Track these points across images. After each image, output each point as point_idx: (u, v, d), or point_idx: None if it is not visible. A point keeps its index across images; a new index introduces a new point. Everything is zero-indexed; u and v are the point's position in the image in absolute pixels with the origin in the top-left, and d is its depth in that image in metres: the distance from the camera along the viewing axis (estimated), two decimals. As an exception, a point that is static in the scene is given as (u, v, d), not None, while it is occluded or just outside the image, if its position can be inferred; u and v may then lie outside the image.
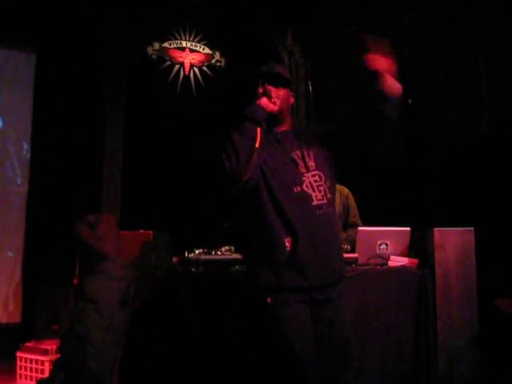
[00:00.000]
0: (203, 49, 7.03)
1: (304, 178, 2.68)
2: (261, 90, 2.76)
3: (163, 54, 6.81)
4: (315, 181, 2.69)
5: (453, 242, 3.87)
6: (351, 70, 6.25)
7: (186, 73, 6.89)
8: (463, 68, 5.25)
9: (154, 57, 6.75)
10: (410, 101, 5.79)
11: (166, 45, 6.84)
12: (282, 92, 2.81)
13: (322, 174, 2.73)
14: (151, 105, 6.53)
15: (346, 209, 4.49)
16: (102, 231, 1.30)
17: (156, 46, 6.77)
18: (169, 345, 0.84)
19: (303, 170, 2.70)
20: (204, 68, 7.02)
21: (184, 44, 6.94)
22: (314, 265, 2.58)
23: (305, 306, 2.60)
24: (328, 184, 2.74)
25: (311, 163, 2.73)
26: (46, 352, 4.79)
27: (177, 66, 6.88)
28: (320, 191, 2.67)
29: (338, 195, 4.41)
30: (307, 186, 2.66)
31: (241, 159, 2.55)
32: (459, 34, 5.27)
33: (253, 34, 6.87)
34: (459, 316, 3.80)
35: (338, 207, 4.36)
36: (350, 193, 4.56)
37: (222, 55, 7.11)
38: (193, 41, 6.98)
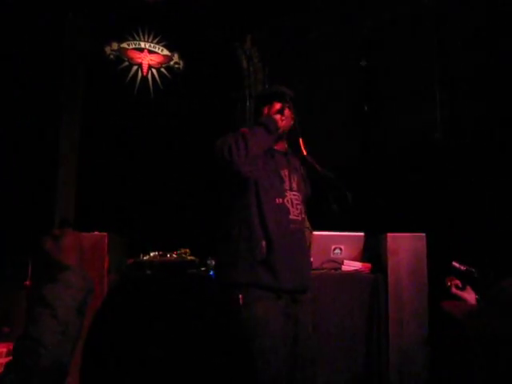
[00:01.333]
0: (162, 50, 7.01)
1: (286, 194, 2.96)
2: (278, 107, 3.00)
3: (121, 54, 6.77)
4: (295, 199, 2.98)
5: (405, 248, 3.94)
6: (309, 75, 6.34)
7: (144, 74, 6.86)
8: (418, 75, 5.35)
9: (111, 57, 6.69)
10: (365, 107, 5.88)
11: (124, 45, 6.79)
12: (290, 114, 3.04)
13: (300, 196, 3.05)
14: (108, 105, 6.47)
15: None
16: (65, 244, 1.40)
17: (114, 46, 6.72)
18: (127, 347, 0.84)
19: (287, 187, 2.99)
20: (162, 69, 6.99)
21: (143, 45, 6.90)
22: (285, 269, 2.81)
23: (274, 303, 2.78)
24: (303, 207, 3.05)
25: (294, 184, 3.03)
26: (-4, 355, 4.71)
27: (135, 67, 6.84)
28: (297, 209, 2.98)
29: None
30: (287, 201, 2.94)
31: (249, 154, 2.76)
32: (414, 42, 5.37)
33: (212, 37, 6.88)
34: (410, 319, 3.86)
35: None
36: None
37: (180, 57, 7.09)
38: (151, 42, 6.95)
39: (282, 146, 3.12)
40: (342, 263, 3.95)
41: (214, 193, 3.25)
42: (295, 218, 2.94)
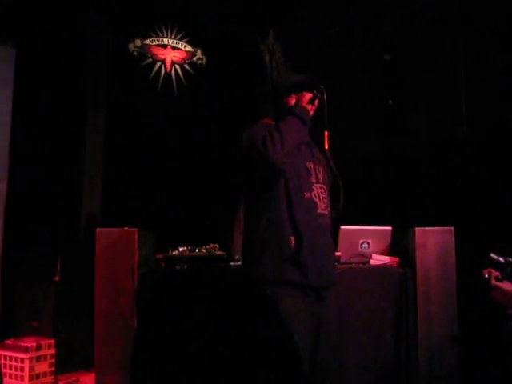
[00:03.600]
0: (185, 46, 7.03)
1: (313, 187, 2.88)
2: (309, 97, 2.93)
3: (145, 50, 6.80)
4: (321, 192, 2.91)
5: (434, 241, 3.92)
6: (333, 70, 6.32)
7: (168, 70, 6.88)
8: (443, 69, 5.31)
9: (135, 53, 6.72)
10: (390, 101, 5.85)
11: (147, 42, 6.82)
12: (315, 106, 2.97)
13: (326, 189, 2.96)
14: (132, 102, 6.50)
15: None
16: None
17: (137, 42, 6.75)
18: (161, 342, 0.85)
19: (314, 180, 2.91)
20: (185, 66, 7.01)
21: (166, 41, 6.92)
22: (313, 266, 2.75)
23: (301, 300, 2.74)
24: (328, 199, 2.96)
25: (320, 176, 2.95)
26: (26, 349, 4.76)
27: (158, 64, 6.86)
28: (324, 202, 2.90)
29: None
30: (315, 195, 2.87)
31: (285, 148, 2.71)
32: (439, 35, 5.34)
33: (234, 33, 6.89)
34: (439, 314, 3.85)
35: None
36: None
37: (203, 53, 7.11)
38: (174, 38, 6.97)
39: (306, 137, 3.04)
40: (370, 257, 3.95)
41: (238, 188, 3.15)
42: (322, 212, 2.87)
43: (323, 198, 2.90)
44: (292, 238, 2.74)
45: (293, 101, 2.96)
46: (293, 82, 3.01)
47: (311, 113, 2.92)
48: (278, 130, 2.73)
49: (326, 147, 3.01)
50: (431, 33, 5.44)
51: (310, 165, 2.93)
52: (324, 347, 2.83)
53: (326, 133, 3.03)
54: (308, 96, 2.92)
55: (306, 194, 2.83)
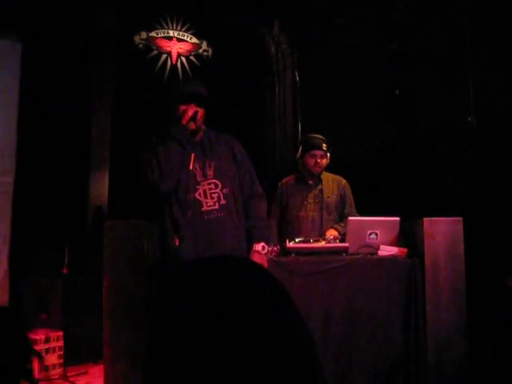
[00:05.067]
0: (190, 38, 7.02)
1: (198, 187, 3.10)
2: (191, 113, 3.11)
3: (150, 43, 6.79)
4: (210, 189, 3.11)
5: (442, 232, 3.90)
6: (339, 60, 6.31)
7: (174, 62, 6.88)
8: (451, 59, 5.28)
9: (140, 46, 6.72)
10: (397, 91, 5.82)
11: (153, 34, 6.81)
12: (202, 111, 3.19)
13: (218, 183, 3.14)
14: (138, 94, 6.50)
15: (343, 199, 4.53)
16: None
17: (143, 35, 6.75)
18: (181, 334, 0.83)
19: (200, 178, 3.12)
20: (191, 57, 7.01)
21: (171, 33, 6.92)
22: (193, 258, 2.98)
23: None
24: (224, 192, 3.14)
25: (210, 172, 3.14)
26: (34, 342, 4.79)
27: (164, 56, 6.86)
28: (213, 198, 3.09)
29: (335, 186, 4.51)
30: (199, 194, 3.09)
31: (163, 175, 3.03)
32: (448, 25, 5.30)
33: (240, 24, 6.87)
34: (448, 305, 3.83)
35: (334, 197, 4.46)
36: (347, 184, 4.60)
37: (209, 45, 7.09)
38: (180, 30, 6.96)
39: (200, 136, 3.24)
40: (378, 248, 3.93)
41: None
42: (209, 208, 3.07)
43: (212, 193, 3.09)
44: (175, 239, 3.01)
45: (180, 110, 3.14)
46: (182, 94, 3.19)
47: (195, 125, 3.14)
48: (156, 157, 3.03)
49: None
50: (440, 21, 5.40)
51: (199, 164, 3.13)
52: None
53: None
54: (190, 112, 3.09)
55: (189, 196, 3.06)
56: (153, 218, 3.27)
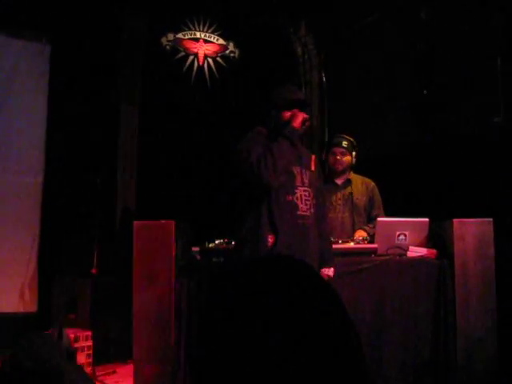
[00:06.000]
0: (217, 39, 7.03)
1: (296, 191, 3.16)
2: (302, 119, 3.18)
3: (177, 44, 6.82)
4: (305, 195, 3.18)
5: (472, 233, 3.87)
6: (365, 60, 6.28)
7: (200, 63, 6.90)
8: (479, 58, 5.23)
9: (167, 47, 6.75)
10: (424, 91, 5.78)
11: (179, 35, 6.84)
12: (305, 117, 3.25)
13: (311, 192, 3.24)
14: (165, 95, 6.54)
15: (371, 201, 4.53)
16: None
17: (170, 36, 6.78)
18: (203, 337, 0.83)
19: (299, 183, 3.19)
20: (218, 59, 7.02)
21: (198, 35, 6.94)
22: None
23: None
24: (314, 202, 3.24)
25: (306, 180, 3.24)
26: (64, 341, 4.83)
27: (191, 57, 6.88)
28: (306, 205, 3.17)
29: (364, 188, 4.52)
30: (297, 198, 3.14)
31: (277, 174, 3.03)
32: (475, 24, 5.25)
33: (266, 25, 6.87)
34: (478, 306, 3.80)
35: (364, 199, 4.47)
36: (375, 187, 4.62)
37: (235, 46, 7.10)
38: (207, 31, 6.98)
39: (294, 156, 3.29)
40: (407, 249, 3.91)
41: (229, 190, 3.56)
42: (303, 213, 3.13)
43: (306, 200, 3.17)
44: (269, 237, 3.00)
45: (286, 115, 3.21)
46: (288, 100, 3.24)
47: (301, 130, 3.22)
48: (271, 154, 3.02)
49: (313, 169, 3.34)
50: (467, 20, 5.35)
51: (297, 169, 3.21)
52: None
53: (313, 156, 3.40)
54: (301, 117, 3.18)
55: (288, 197, 3.11)
56: (242, 214, 3.21)
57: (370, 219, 4.45)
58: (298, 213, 3.11)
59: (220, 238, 3.86)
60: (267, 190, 3.06)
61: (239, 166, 3.13)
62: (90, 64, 6.13)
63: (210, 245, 3.80)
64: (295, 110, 3.20)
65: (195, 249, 3.90)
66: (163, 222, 3.67)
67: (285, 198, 3.10)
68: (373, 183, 4.61)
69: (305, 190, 3.18)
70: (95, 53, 6.13)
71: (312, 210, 3.20)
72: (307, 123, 3.24)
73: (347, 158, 4.49)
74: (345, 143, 4.49)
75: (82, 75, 6.09)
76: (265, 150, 3.04)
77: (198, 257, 3.86)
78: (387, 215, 4.36)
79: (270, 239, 3.01)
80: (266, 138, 3.20)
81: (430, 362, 3.75)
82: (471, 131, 5.18)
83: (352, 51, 6.55)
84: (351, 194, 4.48)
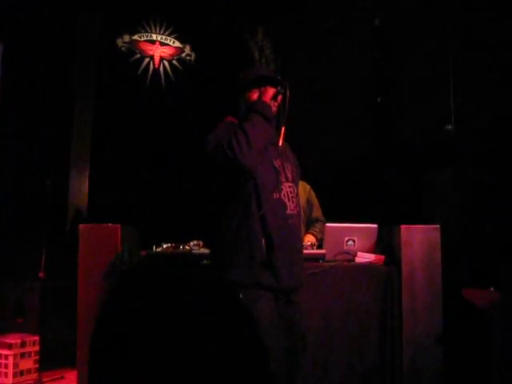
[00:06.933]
0: (173, 42, 7.01)
1: (282, 187, 2.81)
2: (272, 92, 2.80)
3: (133, 46, 6.77)
4: (290, 192, 2.84)
5: (419, 239, 3.90)
6: (321, 66, 6.31)
7: (156, 66, 6.86)
8: (432, 67, 5.30)
9: (123, 49, 6.70)
10: (378, 99, 5.84)
11: (135, 37, 6.80)
12: (279, 99, 2.85)
13: (295, 188, 2.90)
14: (120, 97, 6.48)
15: (310, 204, 4.56)
16: None
17: (126, 38, 6.73)
18: (132, 341, 0.83)
19: (283, 179, 2.84)
20: (174, 61, 6.99)
21: (154, 37, 6.90)
22: (284, 268, 2.71)
23: (273, 303, 2.71)
24: (298, 198, 2.91)
25: (289, 174, 2.88)
26: (10, 346, 4.75)
27: (147, 59, 6.85)
28: (293, 202, 2.83)
29: (301, 190, 4.51)
30: (284, 195, 2.80)
31: (253, 149, 2.62)
32: (429, 34, 5.33)
33: (224, 29, 6.86)
34: (424, 312, 3.84)
35: (303, 202, 4.47)
36: (311, 189, 4.65)
37: (192, 49, 7.08)
38: (163, 34, 6.95)
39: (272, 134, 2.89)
40: (356, 255, 3.93)
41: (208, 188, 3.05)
42: (292, 212, 2.81)
43: (292, 197, 2.84)
44: (263, 241, 2.69)
45: (255, 95, 2.85)
46: (255, 76, 2.91)
47: (274, 109, 2.81)
48: (242, 131, 2.64)
49: (280, 144, 2.87)
50: (422, 31, 5.43)
51: (278, 163, 2.86)
52: (297, 348, 2.82)
53: (283, 129, 2.88)
54: (271, 91, 2.80)
55: (275, 195, 2.77)
56: (226, 216, 2.80)
57: (310, 222, 4.48)
58: (287, 212, 2.78)
59: (168, 243, 3.82)
60: (247, 173, 2.68)
61: (212, 156, 2.72)
62: (44, 64, 6.04)
63: (158, 249, 3.76)
64: (266, 87, 2.82)
65: (143, 253, 3.84)
66: (109, 225, 3.62)
67: (271, 196, 2.74)
68: (309, 186, 4.66)
69: (289, 186, 2.84)
70: (48, 52, 6.05)
71: (298, 209, 2.88)
72: (280, 97, 2.81)
73: None
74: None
75: (34, 75, 6.00)
76: (235, 129, 2.68)
77: (146, 261, 3.81)
78: (336, 221, 4.38)
79: (264, 244, 2.68)
80: (237, 127, 2.75)
81: (376, 368, 3.77)
82: (422, 138, 5.25)
83: (309, 57, 6.57)
84: None
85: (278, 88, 2.81)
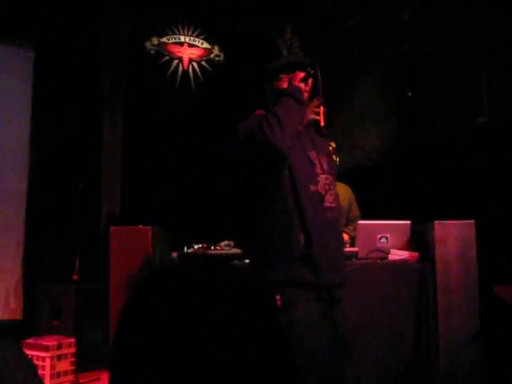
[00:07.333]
0: (202, 43, 7.02)
1: (319, 179, 2.66)
2: (302, 75, 2.65)
3: (161, 48, 6.80)
4: (327, 184, 2.68)
5: (454, 235, 3.84)
6: (351, 63, 6.26)
7: (185, 68, 6.89)
8: (463, 60, 5.22)
9: (152, 52, 6.73)
10: (409, 93, 5.77)
11: (164, 40, 6.83)
12: (311, 81, 2.71)
13: (332, 180, 2.74)
14: (150, 100, 6.52)
15: (350, 206, 4.56)
16: None
17: (154, 40, 6.76)
18: (166, 343, 0.82)
19: (319, 170, 2.68)
20: (203, 63, 7.01)
21: (182, 39, 6.93)
22: (324, 263, 2.55)
23: (314, 304, 2.54)
24: (335, 191, 2.74)
25: (325, 165, 2.72)
26: (46, 348, 4.79)
27: (175, 61, 6.87)
28: (331, 195, 2.67)
29: (344, 192, 4.55)
30: (321, 187, 2.65)
31: (285, 130, 2.47)
32: (460, 25, 5.24)
33: (252, 28, 6.85)
34: (460, 309, 3.78)
35: (346, 203, 4.50)
36: (353, 192, 4.65)
37: (220, 49, 7.09)
38: (191, 35, 6.97)
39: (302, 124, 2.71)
40: (389, 252, 3.88)
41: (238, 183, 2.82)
42: (330, 205, 2.64)
43: (329, 189, 2.67)
44: (301, 235, 2.53)
45: (285, 84, 2.71)
46: (283, 64, 2.78)
47: (305, 94, 2.66)
48: (273, 113, 2.50)
49: (322, 124, 2.79)
50: (452, 22, 5.34)
51: (313, 154, 2.71)
52: (339, 352, 2.63)
53: (322, 109, 2.77)
54: (300, 75, 2.65)
55: (312, 187, 2.61)
56: (260, 211, 2.62)
57: (348, 221, 4.47)
58: (325, 205, 2.62)
59: (199, 243, 3.83)
60: (281, 157, 2.52)
61: (244, 145, 2.57)
62: (74, 69, 6.11)
63: (189, 250, 3.77)
64: (295, 72, 2.66)
65: (175, 254, 3.85)
66: (139, 227, 3.63)
67: (308, 189, 2.59)
68: (350, 189, 4.67)
69: (326, 178, 2.68)
70: (79, 58, 6.11)
71: (337, 201, 2.74)
72: (310, 81, 2.66)
73: (336, 159, 4.51)
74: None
75: (65, 80, 6.07)
76: (266, 114, 2.54)
77: (178, 262, 3.82)
78: (369, 218, 4.34)
79: (302, 239, 2.52)
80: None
81: (412, 365, 3.72)
82: (455, 132, 5.17)
83: (338, 54, 6.52)
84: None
85: (308, 69, 2.66)
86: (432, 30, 5.60)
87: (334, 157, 4.19)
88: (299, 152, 2.66)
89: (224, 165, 6.24)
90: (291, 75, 2.69)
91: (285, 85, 2.71)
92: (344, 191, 4.57)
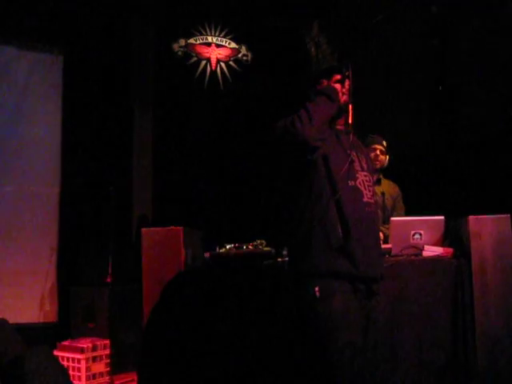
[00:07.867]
0: (229, 43, 7.02)
1: (358, 175, 2.77)
2: (339, 77, 2.82)
3: (189, 50, 6.82)
4: (366, 181, 2.80)
5: (489, 230, 3.76)
6: (379, 58, 6.20)
7: (213, 68, 6.89)
8: (496, 51, 5.13)
9: (179, 53, 6.75)
10: (440, 88, 5.69)
11: (191, 41, 6.84)
12: (349, 88, 2.84)
13: (371, 178, 2.86)
14: (179, 101, 6.54)
15: (396, 204, 4.54)
16: None
17: (181, 42, 6.78)
18: (204, 341, 0.80)
19: (358, 168, 2.80)
20: (231, 62, 7.00)
21: (210, 39, 6.93)
22: (362, 255, 2.63)
23: (352, 295, 2.62)
24: (373, 188, 2.86)
25: (364, 164, 2.86)
26: (82, 350, 4.84)
27: (203, 62, 6.88)
28: (370, 191, 2.79)
29: (392, 190, 4.62)
30: (360, 183, 2.76)
31: (314, 121, 2.59)
32: (492, 18, 5.15)
33: (278, 27, 6.83)
34: (497, 305, 3.70)
35: (392, 201, 4.55)
36: (400, 192, 4.69)
37: (248, 49, 7.08)
38: (218, 36, 6.97)
39: (341, 126, 2.90)
40: (423, 248, 3.82)
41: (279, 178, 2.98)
42: (369, 200, 2.76)
43: (368, 186, 2.79)
44: (339, 228, 2.62)
45: (324, 84, 2.87)
46: (320, 71, 2.95)
47: (343, 96, 2.80)
48: (304, 107, 2.64)
49: (350, 121, 2.84)
50: (484, 15, 5.25)
51: (353, 152, 2.80)
52: (372, 345, 2.71)
53: (351, 106, 2.83)
54: (337, 77, 2.83)
55: (351, 183, 2.72)
56: (300, 205, 2.72)
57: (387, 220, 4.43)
58: (364, 200, 2.73)
59: (231, 243, 3.81)
60: (312, 147, 2.62)
61: (280, 139, 2.71)
62: (102, 73, 6.16)
63: (221, 250, 3.75)
64: (333, 75, 2.85)
65: (207, 254, 3.84)
66: (171, 228, 3.63)
67: (346, 184, 2.70)
68: (398, 187, 4.63)
69: (365, 175, 2.80)
70: (107, 61, 6.16)
71: (375, 198, 2.85)
72: (347, 83, 2.80)
73: (385, 158, 4.52)
74: (385, 143, 4.54)
75: (94, 84, 6.12)
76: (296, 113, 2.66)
77: (211, 263, 3.81)
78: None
79: (340, 232, 2.62)
80: None
81: (449, 363, 3.65)
82: (488, 127, 5.08)
83: (365, 49, 6.47)
84: (383, 194, 4.45)
85: (343, 71, 2.81)
86: (460, 23, 5.53)
87: (384, 156, 4.48)
88: (339, 149, 2.79)
89: (254, 164, 6.27)
90: (328, 79, 2.86)
91: (324, 84, 2.86)
92: (392, 189, 4.59)
